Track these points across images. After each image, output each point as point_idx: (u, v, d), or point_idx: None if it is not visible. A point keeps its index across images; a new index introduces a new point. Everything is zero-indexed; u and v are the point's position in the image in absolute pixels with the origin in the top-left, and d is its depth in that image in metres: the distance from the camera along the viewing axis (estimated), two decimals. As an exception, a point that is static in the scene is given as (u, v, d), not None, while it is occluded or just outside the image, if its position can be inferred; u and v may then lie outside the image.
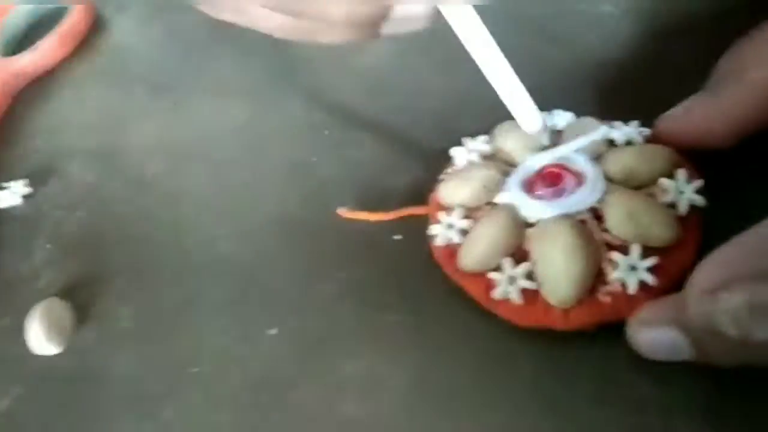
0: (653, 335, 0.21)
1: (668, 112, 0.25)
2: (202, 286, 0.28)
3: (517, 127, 0.26)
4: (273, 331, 0.26)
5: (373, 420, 0.23)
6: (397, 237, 0.27)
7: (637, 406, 0.21)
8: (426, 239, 0.26)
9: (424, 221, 0.26)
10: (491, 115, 0.28)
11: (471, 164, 0.27)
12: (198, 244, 0.29)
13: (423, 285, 0.25)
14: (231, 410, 0.24)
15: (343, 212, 0.28)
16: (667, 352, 0.21)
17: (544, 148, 0.26)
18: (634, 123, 0.26)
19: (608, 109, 0.27)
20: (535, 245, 0.23)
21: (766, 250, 0.17)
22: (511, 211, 0.24)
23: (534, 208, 0.24)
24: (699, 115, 0.24)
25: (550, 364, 0.23)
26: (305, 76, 0.34)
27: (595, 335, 0.23)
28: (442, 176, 0.27)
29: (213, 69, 0.36)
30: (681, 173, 0.24)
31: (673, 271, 0.22)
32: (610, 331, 0.22)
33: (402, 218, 0.27)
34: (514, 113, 0.25)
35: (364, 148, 0.31)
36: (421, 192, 0.27)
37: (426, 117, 0.31)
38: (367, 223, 0.27)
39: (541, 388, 0.22)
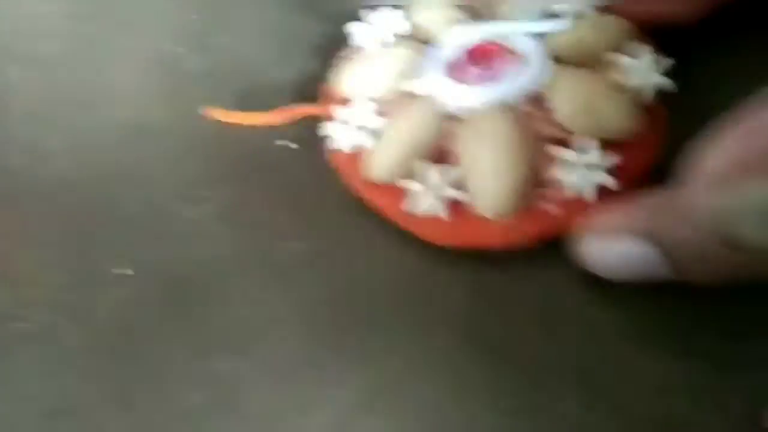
0: (615, 248, 0.17)
1: None
2: (33, 218, 0.21)
3: None
4: (126, 272, 0.20)
5: (264, 375, 0.18)
6: (287, 144, 0.21)
7: (588, 333, 0.17)
8: (325, 144, 0.20)
9: (322, 122, 0.21)
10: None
11: (377, 44, 0.21)
12: (26, 164, 0.22)
13: (324, 203, 0.20)
14: (70, 375, 0.18)
15: (216, 113, 0.22)
16: (633, 269, 0.16)
17: (474, 22, 0.20)
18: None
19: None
20: (464, 145, 0.18)
21: None
22: (431, 101, 0.19)
23: (461, 96, 0.19)
24: None
25: (484, 291, 0.18)
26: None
27: (536, 254, 0.18)
28: (342, 61, 0.21)
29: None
30: (646, 50, 0.19)
31: (633, 170, 0.18)
32: (552, 248, 0.18)
33: (292, 121, 0.21)
34: None
35: (241, 34, 0.24)
36: (313, 87, 0.22)
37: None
38: (246, 128, 0.21)
39: (475, 318, 0.18)
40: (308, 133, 0.21)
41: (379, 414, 0.17)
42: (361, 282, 0.19)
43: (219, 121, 0.22)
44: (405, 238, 0.19)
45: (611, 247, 0.17)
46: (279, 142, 0.21)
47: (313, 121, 0.21)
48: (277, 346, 0.18)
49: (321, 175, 0.20)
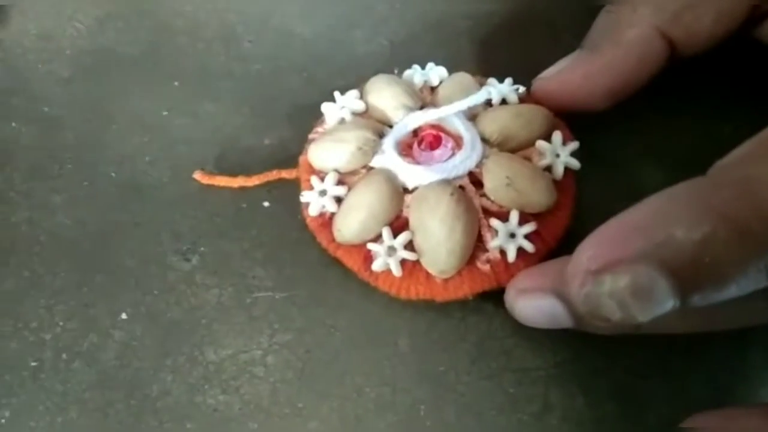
0: (531, 303, 0.20)
1: (544, 72, 0.24)
2: (36, 267, 0.24)
3: (391, 82, 0.24)
4: (123, 316, 0.23)
5: (244, 411, 0.21)
6: (265, 204, 0.24)
7: (516, 376, 0.21)
8: (298, 206, 0.23)
9: (296, 186, 0.24)
10: (362, 66, 0.26)
11: (343, 123, 0.24)
12: (28, 217, 0.25)
13: (296, 257, 0.23)
14: (78, 411, 0.21)
15: (201, 176, 0.25)
16: (545, 320, 0.20)
17: (421, 107, 0.24)
18: (508, 80, 0.25)
19: (482, 64, 0.26)
20: (414, 214, 0.22)
21: (650, 229, 0.16)
22: (388, 175, 0.22)
23: (413, 174, 0.22)
24: (575, 75, 0.23)
25: (428, 336, 0.22)
26: (150, 18, 0.30)
27: (476, 304, 0.22)
28: (311, 136, 0.24)
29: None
30: (557, 135, 0.23)
31: (549, 236, 0.22)
32: (490, 299, 0.22)
33: (270, 183, 0.24)
34: None
35: (222, 102, 0.27)
36: (288, 152, 0.25)
37: (291, 67, 0.28)
38: (229, 189, 0.24)
39: (420, 360, 0.22)
40: (286, 195, 0.24)
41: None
42: (327, 327, 0.22)
43: (203, 183, 0.24)
44: (366, 289, 0.22)
45: (529, 302, 0.20)
46: (260, 203, 0.24)
47: (289, 184, 0.24)
48: (258, 384, 0.21)
49: (295, 233, 0.23)
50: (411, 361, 0.22)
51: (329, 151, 0.23)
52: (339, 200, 0.23)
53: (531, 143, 0.23)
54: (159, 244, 0.24)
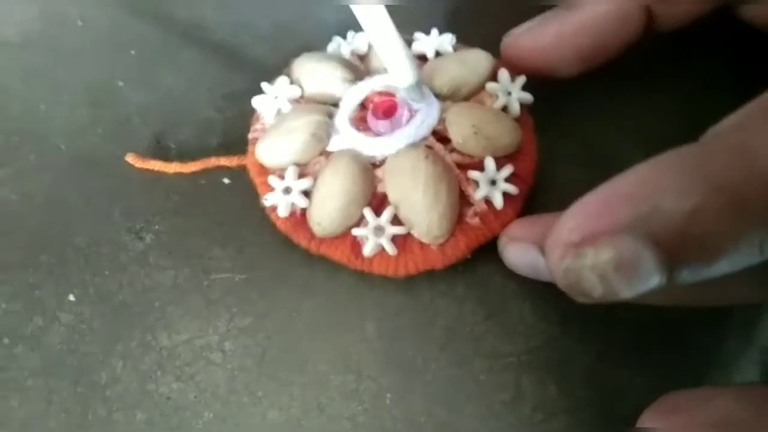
0: (517, 252, 0.20)
1: (515, 30, 0.22)
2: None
3: (321, 58, 0.22)
4: (71, 298, 0.21)
5: (199, 400, 0.19)
6: (225, 180, 0.22)
7: (487, 363, 0.20)
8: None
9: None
10: (329, 36, 0.24)
11: (284, 112, 0.22)
12: None
13: (257, 237, 0.21)
14: (20, 399, 0.19)
15: (133, 159, 0.22)
16: (529, 270, 0.19)
17: (355, 79, 0.22)
18: (434, 32, 0.23)
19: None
20: (392, 187, 0.20)
21: (636, 199, 0.15)
22: (352, 154, 0.20)
23: (378, 146, 0.20)
24: (547, 32, 0.22)
25: (396, 320, 0.20)
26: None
27: (445, 287, 0.21)
28: (252, 135, 0.22)
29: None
30: (503, 72, 0.22)
31: (525, 174, 0.21)
32: (461, 282, 0.21)
33: (204, 170, 0.22)
34: (387, 65, 0.20)
35: (182, 72, 0.25)
36: (242, 128, 0.23)
37: (256, 37, 0.26)
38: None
39: (387, 346, 0.20)
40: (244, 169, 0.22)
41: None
42: (289, 311, 0.20)
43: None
44: (331, 271, 0.20)
45: (515, 250, 0.20)
46: (220, 180, 0.22)
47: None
48: (215, 372, 0.20)
49: (257, 211, 0.21)
50: (378, 347, 0.20)
51: (281, 144, 0.21)
52: (306, 194, 0.20)
53: (480, 88, 0.22)
54: (111, 221, 0.22)
